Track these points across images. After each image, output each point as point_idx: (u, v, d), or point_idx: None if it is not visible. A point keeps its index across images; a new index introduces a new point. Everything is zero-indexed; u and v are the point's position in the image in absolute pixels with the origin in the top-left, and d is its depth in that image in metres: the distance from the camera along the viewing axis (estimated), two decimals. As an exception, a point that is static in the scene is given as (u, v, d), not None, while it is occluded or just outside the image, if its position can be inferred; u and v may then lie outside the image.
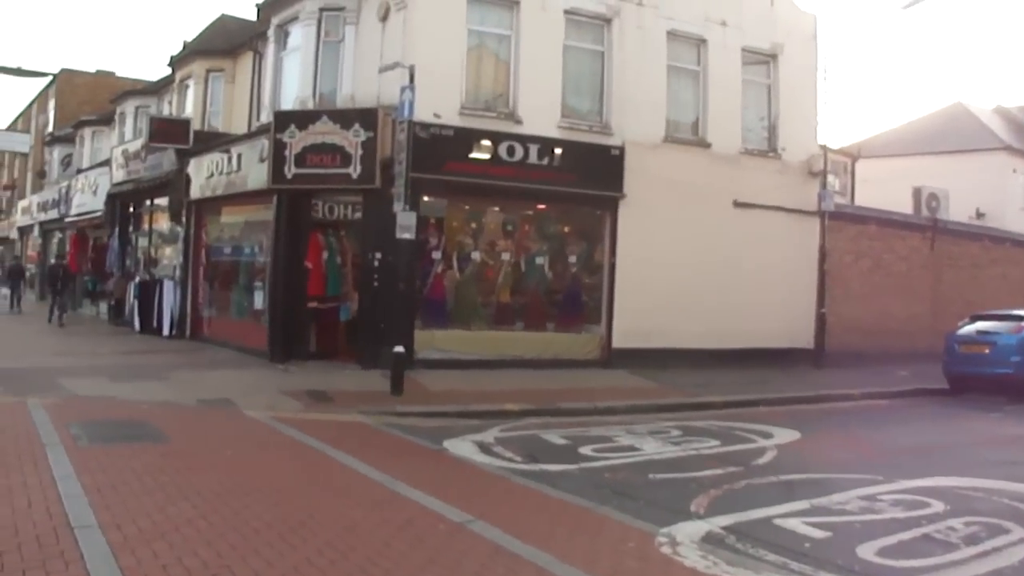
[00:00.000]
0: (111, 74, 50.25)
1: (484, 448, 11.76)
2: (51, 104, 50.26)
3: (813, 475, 10.62)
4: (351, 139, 17.96)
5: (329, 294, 19.09)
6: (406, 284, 16.44)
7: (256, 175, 19.69)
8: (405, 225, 15.59)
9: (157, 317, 24.21)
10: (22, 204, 48.99)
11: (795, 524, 8.22)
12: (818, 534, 7.95)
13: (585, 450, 11.81)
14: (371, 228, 18.37)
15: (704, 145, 21.74)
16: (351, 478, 9.62)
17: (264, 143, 19.21)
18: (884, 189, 30.33)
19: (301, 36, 20.28)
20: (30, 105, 56.58)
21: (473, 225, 19.93)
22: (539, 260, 20.37)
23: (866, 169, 33.63)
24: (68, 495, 7.90)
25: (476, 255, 19.69)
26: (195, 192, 23.20)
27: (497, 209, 20.22)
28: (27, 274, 38.56)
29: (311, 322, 19.33)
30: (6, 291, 32.64)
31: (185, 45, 30.62)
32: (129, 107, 33.69)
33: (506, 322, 19.96)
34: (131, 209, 29.56)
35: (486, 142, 18.63)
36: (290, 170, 18.40)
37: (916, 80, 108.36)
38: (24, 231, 48.01)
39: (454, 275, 19.45)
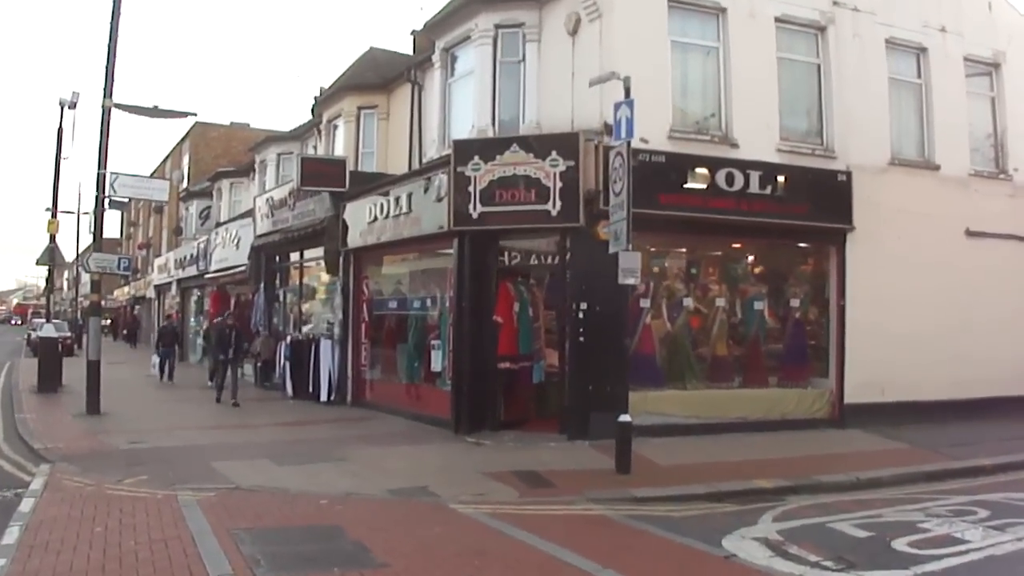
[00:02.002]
0: (245, 126, 49.39)
1: (774, 548, 9.26)
2: (185, 159, 49.53)
3: None
4: (548, 169, 15.35)
5: (521, 352, 16.39)
6: (626, 338, 13.70)
7: (432, 216, 17.14)
8: (629, 268, 12.89)
9: (313, 381, 21.84)
10: (158, 262, 48.05)
11: None
12: None
13: (899, 545, 9.30)
14: (574, 274, 15.70)
15: (932, 167, 18.94)
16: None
17: (440, 179, 16.68)
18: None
19: (474, 59, 17.91)
20: (164, 161, 56.18)
21: (686, 267, 17.41)
22: (758, 304, 17.63)
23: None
24: None
25: (688, 302, 16.95)
26: (354, 240, 20.81)
27: (689, 247, 17.77)
28: (180, 337, 34.73)
29: (499, 385, 16.59)
30: (155, 358, 28.67)
31: (321, 91, 28.89)
32: (270, 154, 31.98)
33: (723, 378, 17.24)
34: (277, 262, 27.46)
35: (702, 170, 15.97)
36: (475, 208, 15.87)
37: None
38: (161, 289, 46.93)
39: (663, 325, 16.71)
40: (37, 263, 26.43)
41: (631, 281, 13.05)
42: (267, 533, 9.22)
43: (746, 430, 16.20)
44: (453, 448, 15.21)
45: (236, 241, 30.05)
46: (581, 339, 15.32)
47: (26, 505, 10.31)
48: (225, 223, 33.66)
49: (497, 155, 15.79)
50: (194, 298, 39.92)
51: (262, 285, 27.29)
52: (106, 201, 20.48)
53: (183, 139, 51.03)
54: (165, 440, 15.74)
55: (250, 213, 28.70)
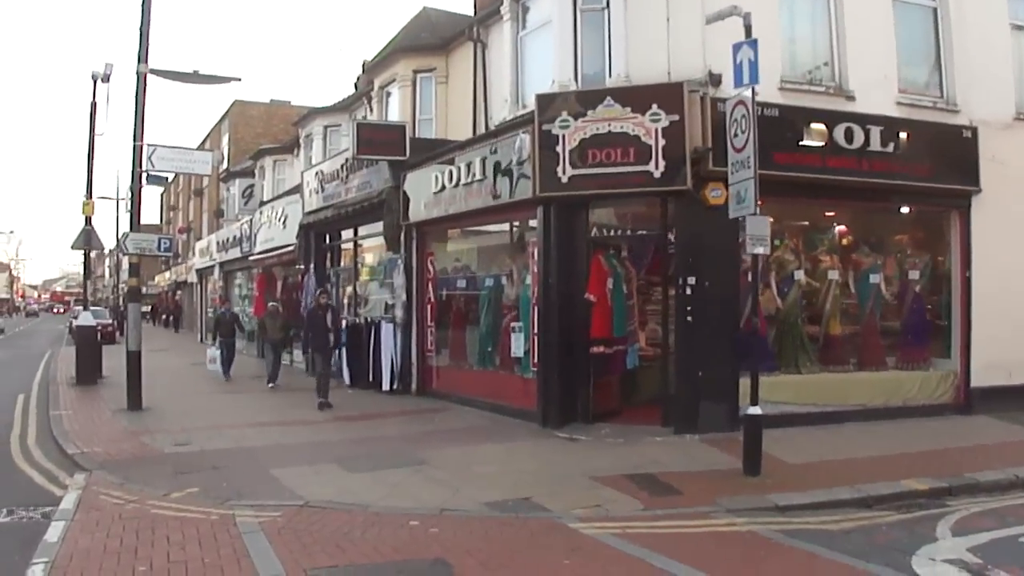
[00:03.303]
0: (286, 103, 47.78)
1: (978, 574, 7.51)
2: (225, 139, 48.00)
3: None
4: (648, 125, 13.46)
5: (615, 335, 14.54)
6: (752, 317, 11.85)
7: (511, 182, 15.33)
8: (758, 235, 11.12)
9: (373, 368, 20.10)
10: (199, 245, 46.57)
11: None
12: None
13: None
14: (680, 244, 13.90)
15: (1057, 122, 16.93)
16: None
17: (522, 140, 14.77)
18: None
19: (550, 7, 16.00)
20: (203, 142, 54.67)
21: (798, 235, 15.60)
22: (873, 278, 15.82)
23: None
24: None
25: (799, 275, 15.12)
26: (417, 213, 18.92)
27: (803, 213, 15.95)
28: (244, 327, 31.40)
29: (591, 373, 14.67)
30: (214, 351, 24.34)
31: (365, 64, 27.03)
32: (316, 127, 30.27)
33: (838, 361, 15.51)
34: (328, 240, 25.77)
35: (819, 125, 14.13)
36: (564, 172, 13.99)
37: None
38: (203, 273, 45.36)
39: (772, 301, 14.91)
40: (72, 247, 24.86)
41: (760, 250, 11.26)
42: (356, 574, 7.42)
43: (867, 418, 14.58)
44: (546, 446, 13.40)
45: (283, 219, 28.32)
46: (689, 319, 13.56)
47: (54, 532, 8.55)
48: (270, 201, 31.92)
49: (589, 111, 13.90)
50: (237, 281, 38.33)
51: (312, 265, 25.56)
52: (144, 176, 18.77)
53: (222, 118, 49.55)
54: (215, 441, 14.02)
55: (297, 189, 26.91)
